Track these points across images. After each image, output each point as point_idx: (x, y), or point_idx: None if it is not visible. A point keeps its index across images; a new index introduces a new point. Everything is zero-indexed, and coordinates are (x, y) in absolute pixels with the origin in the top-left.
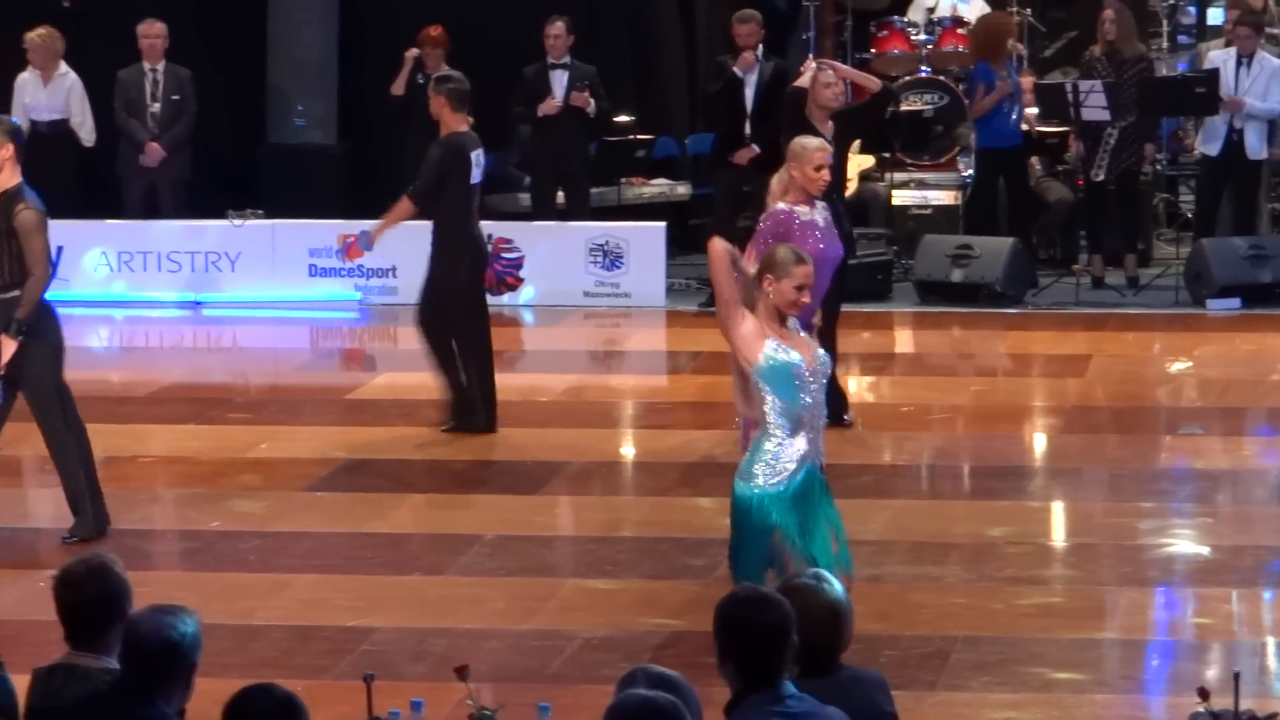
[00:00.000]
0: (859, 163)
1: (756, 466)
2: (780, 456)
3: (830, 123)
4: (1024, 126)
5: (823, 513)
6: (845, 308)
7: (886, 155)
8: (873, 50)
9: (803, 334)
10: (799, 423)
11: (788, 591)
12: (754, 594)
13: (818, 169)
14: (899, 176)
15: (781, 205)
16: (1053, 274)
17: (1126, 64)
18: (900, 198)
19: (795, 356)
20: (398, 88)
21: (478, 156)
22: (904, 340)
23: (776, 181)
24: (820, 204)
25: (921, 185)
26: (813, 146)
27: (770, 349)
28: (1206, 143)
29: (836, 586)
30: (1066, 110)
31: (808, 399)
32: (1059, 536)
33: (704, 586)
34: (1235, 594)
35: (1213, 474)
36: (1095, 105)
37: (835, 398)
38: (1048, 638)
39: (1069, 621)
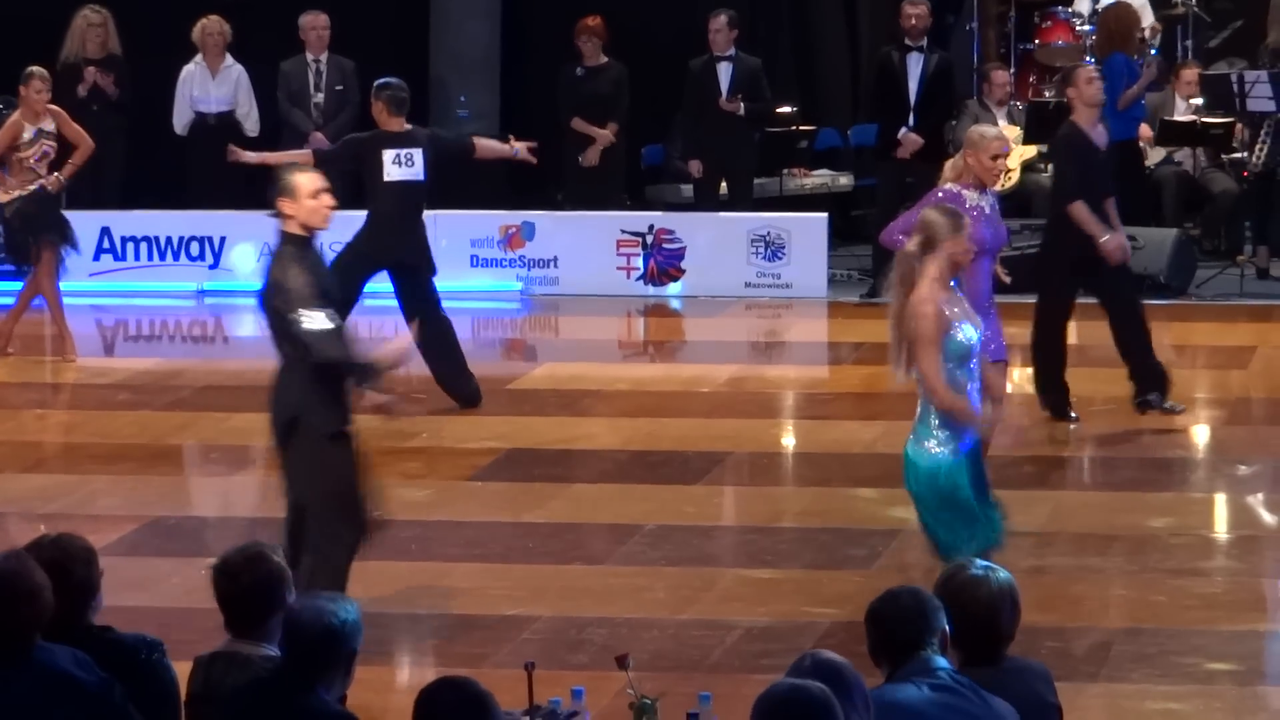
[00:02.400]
0: (1021, 153)
1: (928, 441)
2: (948, 423)
3: (1100, 126)
4: (1190, 117)
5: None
6: (1009, 299)
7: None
8: (1036, 40)
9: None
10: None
11: (954, 582)
12: (890, 591)
13: (994, 158)
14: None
15: (951, 185)
16: (1217, 265)
17: None
18: None
19: (973, 336)
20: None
21: (399, 155)
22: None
23: (950, 166)
24: (989, 191)
25: None
26: (990, 135)
27: (954, 329)
28: None
29: (1003, 575)
30: (1232, 101)
31: (972, 371)
32: (1221, 528)
33: (865, 577)
34: None
35: None
36: (1261, 95)
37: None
38: (1210, 629)
39: (1231, 613)
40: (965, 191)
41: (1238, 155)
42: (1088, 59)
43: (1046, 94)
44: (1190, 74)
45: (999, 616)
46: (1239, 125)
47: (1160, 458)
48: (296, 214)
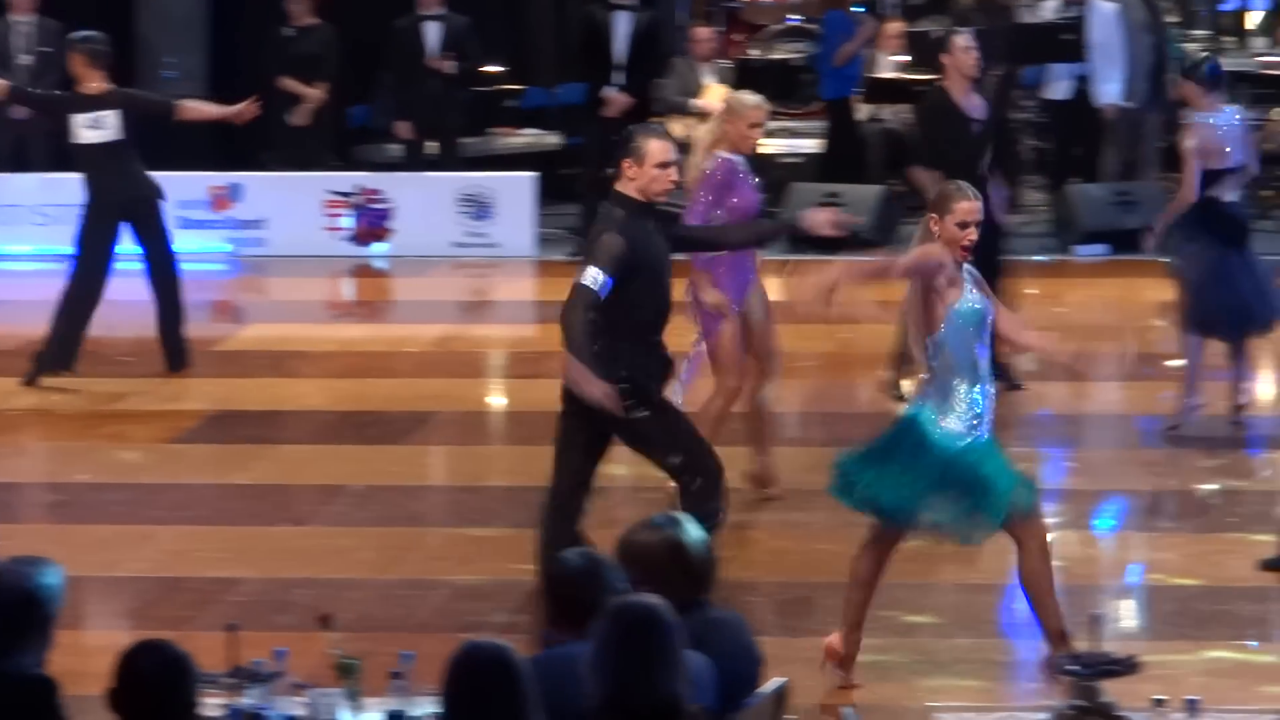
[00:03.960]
0: None
1: (949, 417)
2: (974, 405)
3: (975, 96)
4: (894, 74)
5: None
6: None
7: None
8: None
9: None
10: (979, 372)
11: (630, 537)
12: (559, 557)
13: (752, 126)
14: (767, 125)
15: (725, 154)
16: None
17: (998, 11)
18: (768, 146)
19: (980, 304)
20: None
21: (92, 119)
22: (771, 288)
23: (707, 131)
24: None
25: (790, 134)
26: (750, 104)
27: (967, 294)
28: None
29: (683, 529)
30: (935, 58)
31: (985, 353)
32: None
33: None
34: (1093, 537)
35: (1075, 419)
36: None
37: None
38: (911, 583)
39: (932, 566)
40: (735, 159)
41: None
42: (790, 18)
43: (752, 52)
44: (895, 30)
45: (669, 569)
46: None
47: (864, 412)
48: (638, 178)
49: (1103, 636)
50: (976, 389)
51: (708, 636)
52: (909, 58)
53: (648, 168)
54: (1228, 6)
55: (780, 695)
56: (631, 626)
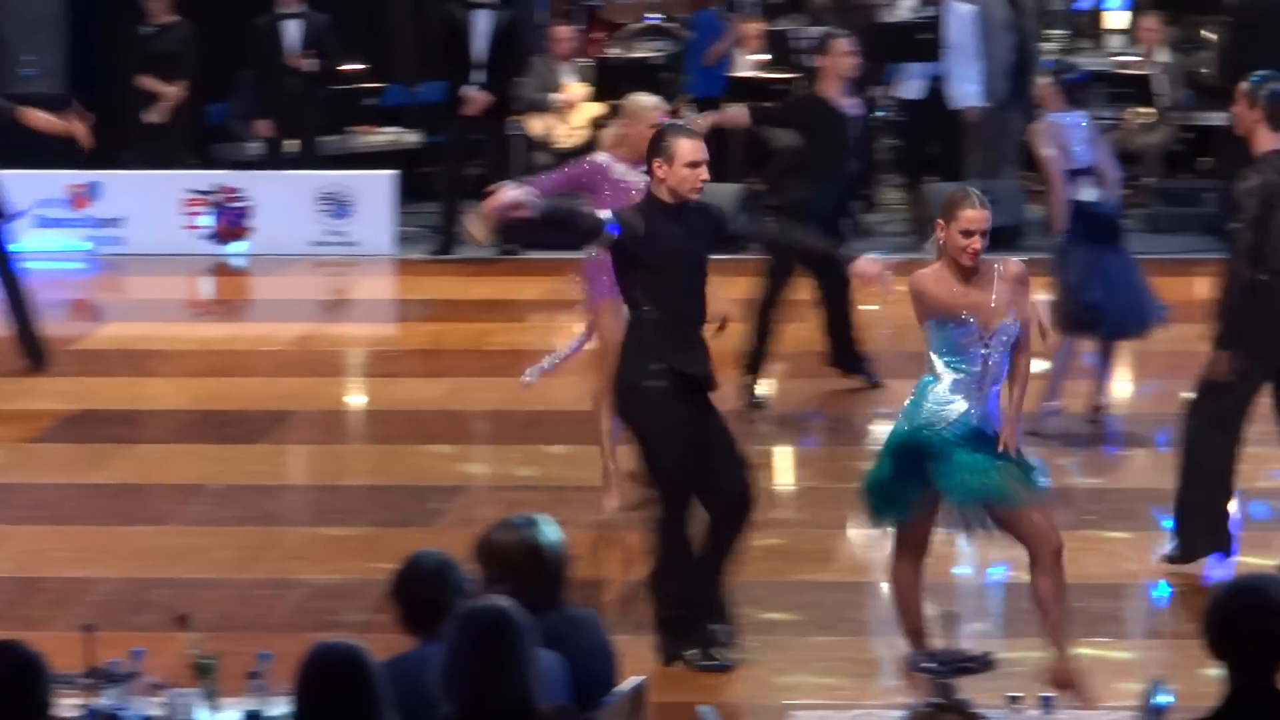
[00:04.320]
0: (589, 110)
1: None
2: (942, 401)
3: (849, 97)
4: (752, 72)
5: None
6: (567, 256)
7: (615, 102)
8: None
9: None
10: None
11: (485, 537)
12: (408, 558)
13: (652, 128)
14: None
15: (601, 156)
16: (780, 220)
17: (855, 11)
18: None
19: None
20: None
21: None
22: None
23: (610, 133)
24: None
25: None
26: (648, 105)
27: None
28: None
29: (538, 530)
30: (789, 56)
31: (975, 366)
32: (781, 480)
33: (431, 533)
34: (949, 535)
35: None
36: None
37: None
38: (770, 580)
39: (791, 564)
40: (615, 164)
41: None
42: (650, 16)
43: (611, 50)
44: (753, 29)
45: (526, 569)
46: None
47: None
48: (668, 178)
49: (959, 634)
50: (948, 388)
51: (564, 635)
52: (768, 56)
53: (678, 167)
54: (1082, 6)
55: (638, 694)
56: (483, 633)
